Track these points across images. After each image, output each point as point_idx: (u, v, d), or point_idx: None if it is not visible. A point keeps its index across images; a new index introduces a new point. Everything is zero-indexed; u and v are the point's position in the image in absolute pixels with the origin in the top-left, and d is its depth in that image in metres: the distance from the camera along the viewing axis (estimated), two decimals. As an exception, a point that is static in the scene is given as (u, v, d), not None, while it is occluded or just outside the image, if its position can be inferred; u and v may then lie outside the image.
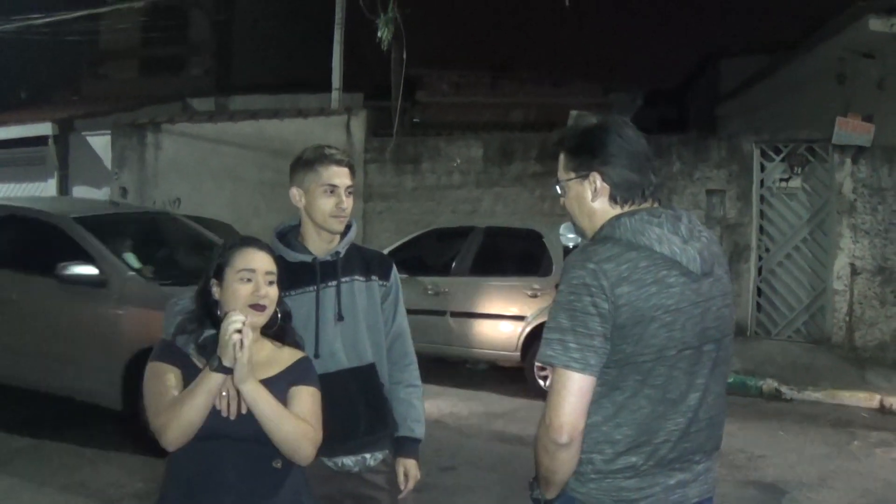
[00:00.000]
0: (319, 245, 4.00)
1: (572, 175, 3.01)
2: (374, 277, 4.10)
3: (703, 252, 2.89)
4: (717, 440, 3.04)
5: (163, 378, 3.25)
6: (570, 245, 3.26)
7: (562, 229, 3.27)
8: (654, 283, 2.78)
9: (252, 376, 3.17)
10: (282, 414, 3.22)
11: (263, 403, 3.18)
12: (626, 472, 2.83)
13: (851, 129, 13.72)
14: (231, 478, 3.25)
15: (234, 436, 3.22)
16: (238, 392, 3.18)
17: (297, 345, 3.55)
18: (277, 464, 3.32)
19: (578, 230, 3.13)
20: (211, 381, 3.12)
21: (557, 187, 3.09)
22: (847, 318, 13.81)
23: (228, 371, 3.11)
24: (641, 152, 2.96)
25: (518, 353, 12.10)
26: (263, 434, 3.20)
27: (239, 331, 3.10)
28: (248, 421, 3.19)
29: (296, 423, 3.25)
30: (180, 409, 3.11)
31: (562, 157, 3.05)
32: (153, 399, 3.22)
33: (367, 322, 4.03)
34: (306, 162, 3.97)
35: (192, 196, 19.30)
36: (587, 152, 2.97)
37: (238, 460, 3.26)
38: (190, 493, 3.27)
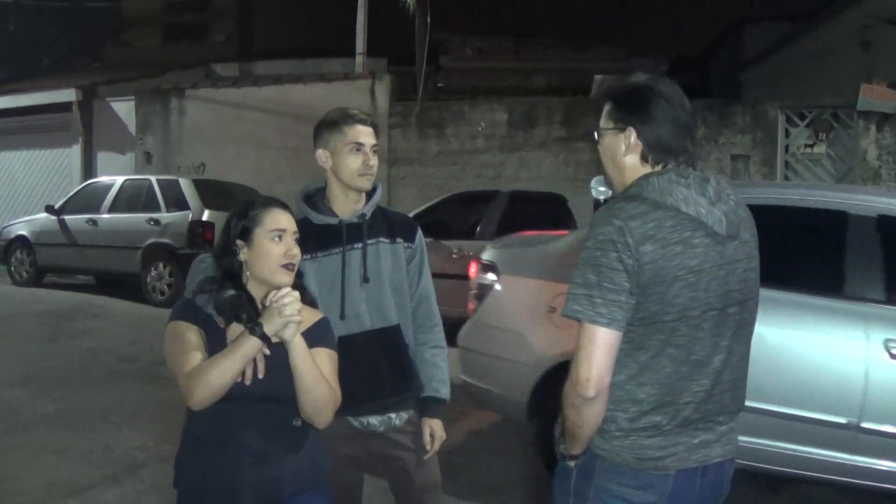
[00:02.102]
0: (346, 206, 4.03)
1: (611, 125, 3.03)
2: (399, 240, 4.12)
3: (730, 214, 2.89)
4: (741, 401, 3.05)
5: (185, 337, 3.26)
6: (602, 199, 3.27)
7: (593, 182, 3.30)
8: (679, 243, 2.78)
9: (299, 334, 3.21)
10: (319, 374, 3.25)
11: (308, 362, 3.21)
12: (650, 431, 2.84)
13: (876, 96, 13.69)
14: (250, 438, 3.27)
15: (255, 396, 3.23)
16: (263, 354, 3.21)
17: (313, 304, 3.57)
18: (297, 422, 3.34)
19: (608, 181, 3.16)
20: (248, 347, 3.14)
21: (595, 133, 3.11)
22: (871, 285, 13.76)
23: (268, 340, 3.14)
24: (683, 120, 2.97)
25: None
26: (284, 393, 3.23)
27: (298, 310, 3.16)
28: (270, 381, 3.22)
29: (327, 386, 3.28)
30: (212, 371, 3.12)
31: (606, 105, 3.07)
32: (177, 359, 3.22)
33: (393, 284, 4.05)
34: (331, 123, 4.00)
35: (216, 161, 19.39)
36: (630, 107, 2.98)
37: (258, 420, 3.28)
38: (209, 454, 3.29)
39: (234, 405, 3.21)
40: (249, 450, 3.26)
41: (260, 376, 3.22)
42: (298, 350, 3.19)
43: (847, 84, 14.51)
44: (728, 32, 27.39)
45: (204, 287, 3.36)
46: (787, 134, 14.87)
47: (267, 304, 3.20)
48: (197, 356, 3.20)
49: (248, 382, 3.20)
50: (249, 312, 3.26)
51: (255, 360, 3.22)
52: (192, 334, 3.27)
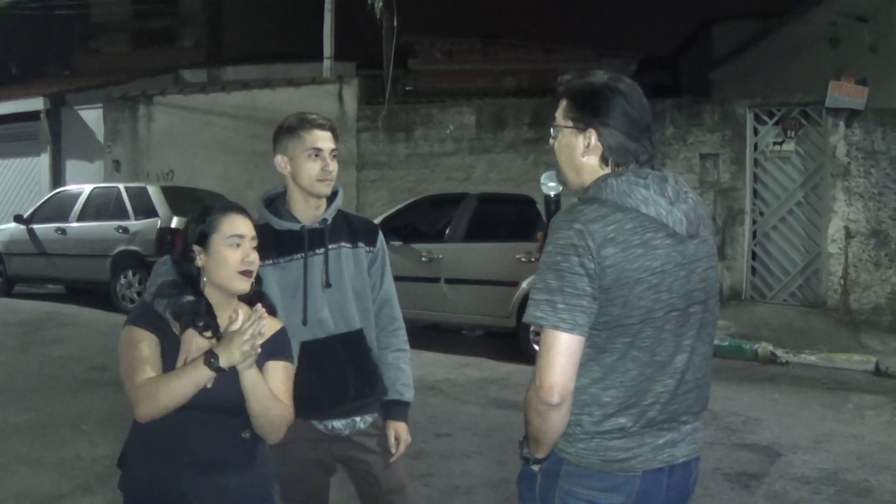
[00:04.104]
0: (307, 211, 4.03)
1: (570, 124, 2.99)
2: (360, 244, 4.13)
3: (690, 214, 2.87)
4: (705, 401, 3.04)
5: (139, 346, 3.23)
6: (551, 194, 3.22)
7: (543, 178, 3.22)
8: (641, 245, 2.77)
9: (254, 364, 3.18)
10: (273, 398, 3.24)
11: (261, 390, 3.20)
12: (615, 434, 2.83)
13: (845, 93, 13.75)
14: (199, 448, 3.25)
15: (204, 406, 3.20)
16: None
17: (272, 309, 3.53)
18: (246, 434, 3.33)
19: (561, 178, 3.12)
20: (201, 376, 3.11)
21: (552, 129, 3.07)
22: (842, 282, 13.85)
23: (223, 371, 3.10)
24: (644, 122, 2.95)
25: (512, 319, 12.13)
26: (233, 405, 3.21)
27: (256, 346, 3.12)
28: (219, 391, 3.18)
29: (282, 408, 3.28)
30: (162, 390, 3.11)
31: (564, 102, 3.03)
32: (129, 367, 3.20)
33: (355, 288, 4.06)
34: (289, 129, 4.00)
35: (185, 168, 19.39)
36: (591, 108, 2.94)
37: (207, 430, 3.26)
38: (156, 460, 3.28)
39: (185, 414, 3.18)
40: (198, 459, 3.25)
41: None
42: (251, 381, 3.18)
43: (817, 81, 14.58)
44: (698, 31, 27.54)
45: (163, 291, 3.33)
46: (756, 132, 14.92)
47: (230, 328, 3.16)
48: (148, 370, 3.17)
49: (209, 385, 3.15)
50: (206, 320, 3.24)
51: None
52: (147, 343, 3.23)
